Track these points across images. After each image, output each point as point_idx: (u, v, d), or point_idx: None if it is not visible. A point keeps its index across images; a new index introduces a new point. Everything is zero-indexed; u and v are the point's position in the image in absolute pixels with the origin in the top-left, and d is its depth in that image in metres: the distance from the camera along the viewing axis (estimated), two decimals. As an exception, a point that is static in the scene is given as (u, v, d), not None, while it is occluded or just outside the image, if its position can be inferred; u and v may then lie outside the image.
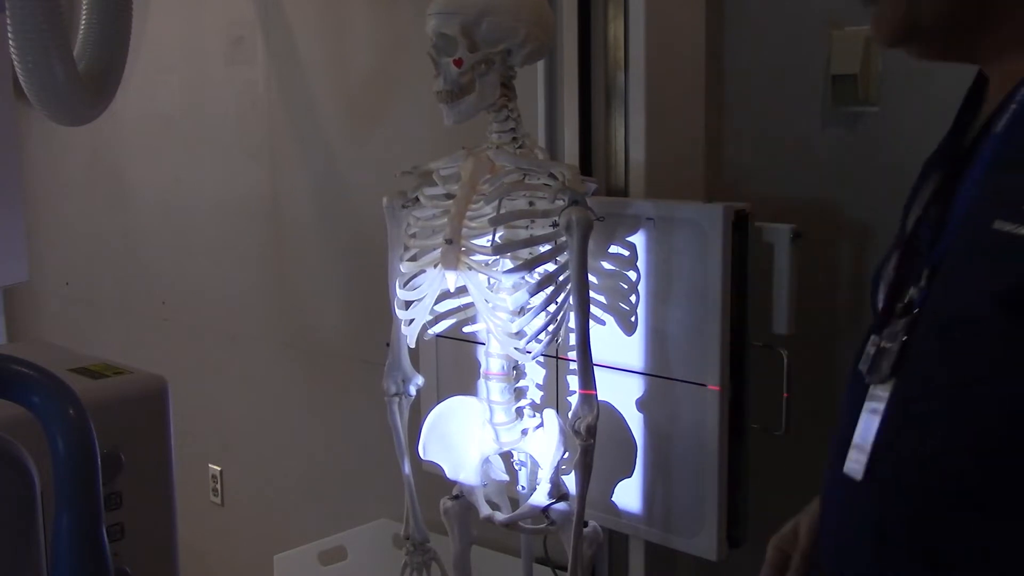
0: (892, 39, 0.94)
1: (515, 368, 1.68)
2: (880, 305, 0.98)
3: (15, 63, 2.10)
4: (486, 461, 1.75)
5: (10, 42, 2.07)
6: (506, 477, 1.79)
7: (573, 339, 1.57)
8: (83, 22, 2.26)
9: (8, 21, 2.04)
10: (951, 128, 1.00)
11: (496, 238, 1.55)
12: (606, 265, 1.71)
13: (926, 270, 0.91)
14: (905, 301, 0.93)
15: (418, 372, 1.84)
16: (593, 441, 1.57)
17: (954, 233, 0.89)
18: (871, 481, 0.94)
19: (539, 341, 1.57)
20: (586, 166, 1.87)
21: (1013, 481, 0.84)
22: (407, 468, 1.81)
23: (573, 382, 1.64)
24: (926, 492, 0.89)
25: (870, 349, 0.96)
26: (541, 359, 1.72)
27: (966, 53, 0.94)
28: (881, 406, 0.94)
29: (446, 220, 1.59)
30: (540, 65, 1.90)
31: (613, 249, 1.70)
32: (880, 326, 0.96)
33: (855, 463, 0.96)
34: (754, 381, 1.68)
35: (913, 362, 0.92)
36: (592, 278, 1.65)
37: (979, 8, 0.90)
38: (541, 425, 1.69)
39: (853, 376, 1.00)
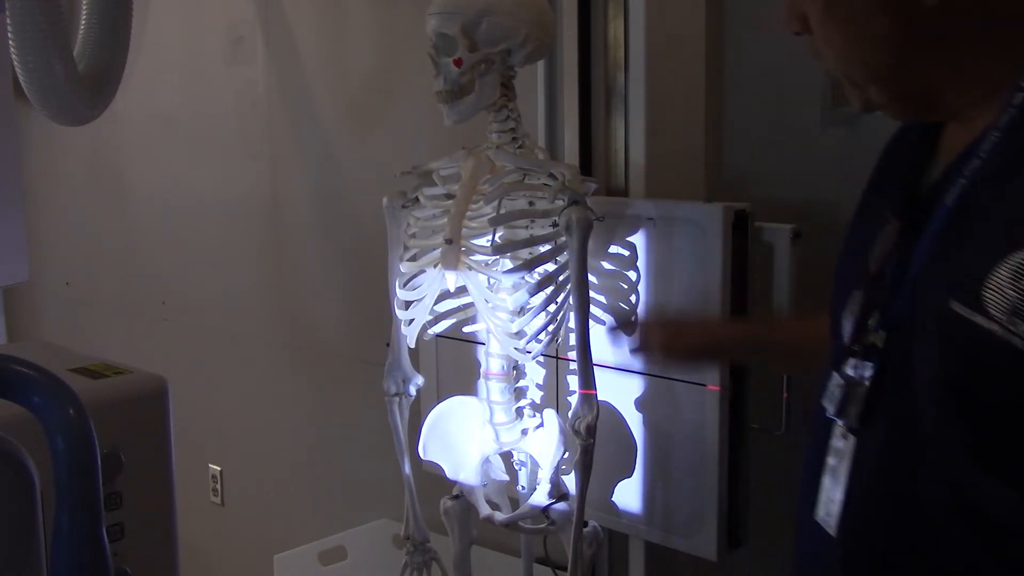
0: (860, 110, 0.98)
1: (515, 368, 1.68)
2: (845, 339, 0.98)
3: (15, 63, 2.10)
4: (486, 461, 1.74)
5: (10, 42, 2.07)
6: (506, 477, 1.79)
7: (573, 339, 1.57)
8: (83, 22, 2.26)
9: (8, 21, 2.04)
10: (892, 160, 1.04)
11: (496, 238, 1.55)
12: (606, 265, 1.71)
13: (882, 332, 0.92)
14: (867, 344, 0.93)
15: (418, 372, 1.84)
16: (593, 441, 1.56)
17: (909, 298, 0.89)
18: (844, 540, 0.94)
19: (539, 341, 1.57)
20: (586, 166, 1.87)
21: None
22: (407, 468, 1.81)
23: (573, 382, 1.64)
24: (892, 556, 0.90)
25: (834, 388, 0.96)
26: (541, 359, 1.72)
27: (930, 114, 0.97)
28: (846, 459, 0.95)
29: (446, 220, 1.59)
30: (540, 65, 1.90)
31: (613, 249, 1.70)
32: (840, 362, 0.96)
33: (827, 515, 0.97)
34: (754, 381, 1.68)
35: (877, 423, 0.92)
36: (592, 278, 1.65)
37: (932, 86, 0.92)
38: (541, 425, 1.69)
39: (817, 410, 1.00)
